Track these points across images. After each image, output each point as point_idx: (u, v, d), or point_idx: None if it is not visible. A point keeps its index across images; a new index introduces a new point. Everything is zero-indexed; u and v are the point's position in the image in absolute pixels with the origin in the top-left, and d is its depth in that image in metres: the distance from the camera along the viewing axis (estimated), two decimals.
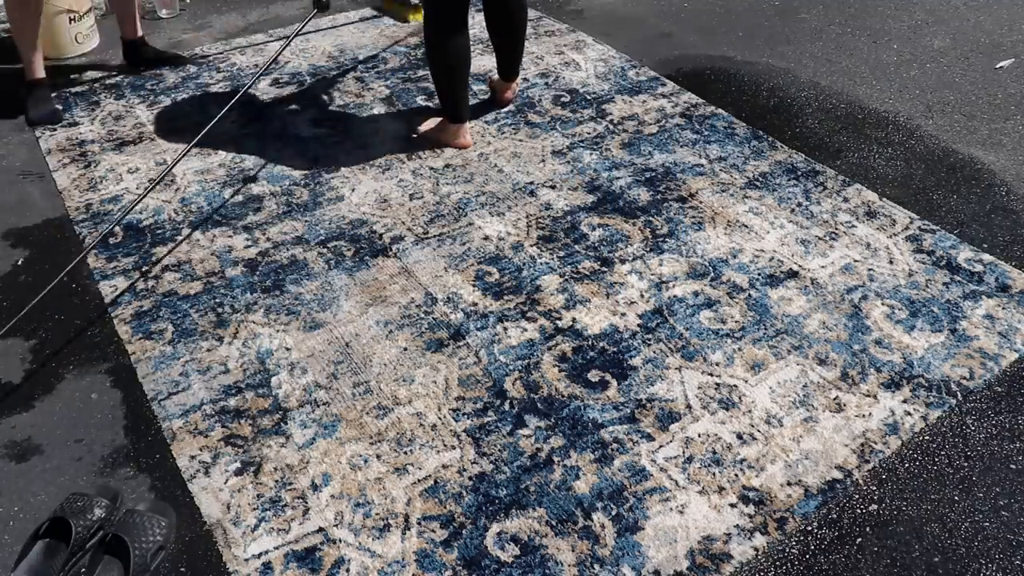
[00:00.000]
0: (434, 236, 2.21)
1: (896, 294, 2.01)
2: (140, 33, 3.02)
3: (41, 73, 2.74)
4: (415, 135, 2.65)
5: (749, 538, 1.47)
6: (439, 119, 2.65)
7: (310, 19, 2.38)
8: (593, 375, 1.79)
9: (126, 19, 2.97)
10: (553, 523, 1.49)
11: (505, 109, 2.80)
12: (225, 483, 1.56)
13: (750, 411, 1.71)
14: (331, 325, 1.93)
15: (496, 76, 2.83)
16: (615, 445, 1.63)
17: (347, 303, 1.99)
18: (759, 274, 2.07)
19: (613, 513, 1.51)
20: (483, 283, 2.05)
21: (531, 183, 2.42)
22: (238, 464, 1.60)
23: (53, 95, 2.82)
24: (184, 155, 2.03)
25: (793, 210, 2.31)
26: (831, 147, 2.62)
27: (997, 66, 3.12)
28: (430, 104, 2.84)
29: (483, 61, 3.11)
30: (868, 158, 2.56)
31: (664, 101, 2.85)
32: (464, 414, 1.70)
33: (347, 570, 1.42)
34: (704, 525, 1.49)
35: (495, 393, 1.75)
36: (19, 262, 2.15)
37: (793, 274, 2.07)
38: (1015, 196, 2.38)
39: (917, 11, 3.60)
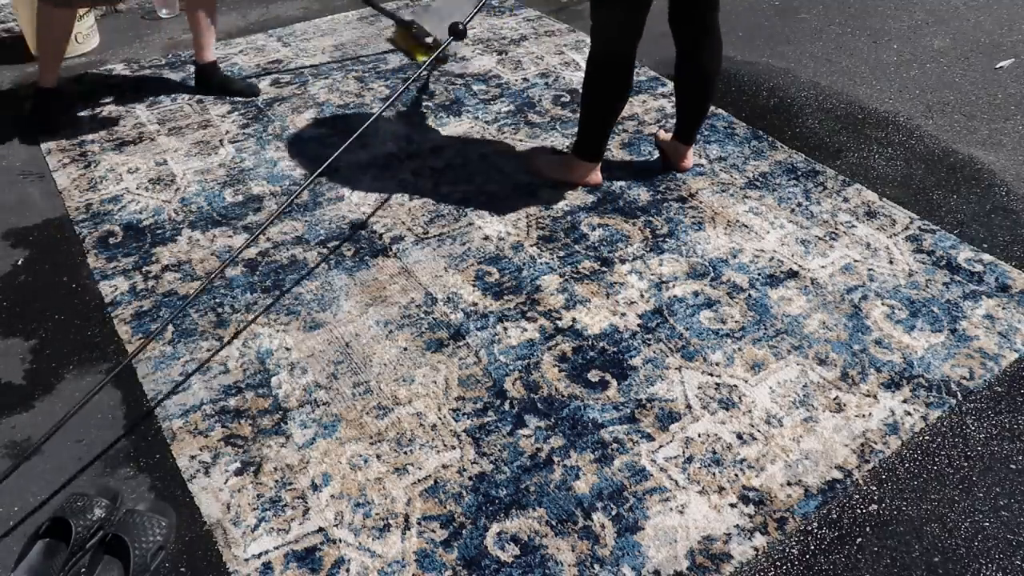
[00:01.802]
0: (434, 236, 2.21)
1: (896, 294, 2.01)
2: (212, 58, 2.88)
3: (54, 83, 2.67)
4: (528, 171, 2.46)
5: (749, 538, 1.47)
6: (552, 156, 2.51)
7: (447, 44, 2.21)
8: (593, 375, 1.79)
9: (198, 43, 2.83)
10: (553, 523, 1.49)
11: (505, 109, 2.80)
12: (225, 483, 1.56)
13: (750, 411, 1.71)
14: (331, 325, 1.93)
15: (664, 134, 2.49)
16: (615, 445, 1.63)
17: (347, 303, 1.99)
18: (759, 274, 2.07)
19: (613, 513, 1.51)
20: (483, 283, 2.05)
21: (531, 183, 2.42)
22: (238, 464, 1.60)
23: (60, 105, 2.73)
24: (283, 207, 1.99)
25: (793, 210, 2.31)
26: (831, 147, 2.62)
27: (997, 66, 3.12)
28: (429, 104, 2.84)
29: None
30: (868, 158, 2.56)
31: (664, 101, 2.85)
32: (464, 414, 1.70)
33: (347, 570, 1.42)
34: (704, 525, 1.49)
35: (495, 393, 1.75)
36: (19, 262, 2.15)
37: (793, 274, 2.07)
38: (1015, 196, 2.38)
39: (917, 11, 3.60)
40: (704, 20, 2.17)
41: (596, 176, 2.39)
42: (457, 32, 2.15)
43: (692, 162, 2.47)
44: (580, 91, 2.26)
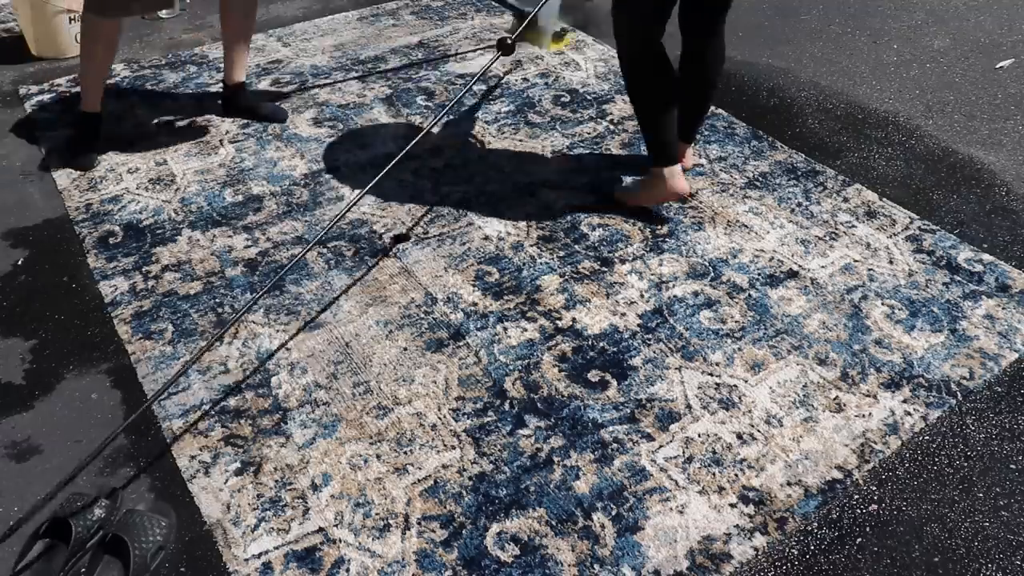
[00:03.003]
0: (434, 236, 2.21)
1: (896, 294, 2.01)
2: (240, 79, 2.72)
3: (97, 107, 2.50)
4: (619, 198, 2.33)
5: (749, 538, 1.47)
6: (636, 179, 2.36)
7: (494, 60, 2.08)
8: (593, 375, 1.79)
9: (228, 61, 2.68)
10: (553, 523, 1.49)
11: (505, 109, 2.80)
12: (225, 483, 1.56)
13: (750, 411, 1.71)
14: (331, 325, 1.93)
15: None
16: (615, 445, 1.63)
17: (347, 303, 1.99)
18: (759, 274, 2.07)
19: (613, 513, 1.51)
20: (483, 283, 2.05)
21: (531, 183, 2.42)
22: (238, 464, 1.60)
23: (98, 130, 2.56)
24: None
25: (793, 210, 2.31)
26: (831, 147, 2.62)
27: (997, 66, 3.12)
28: (429, 104, 2.84)
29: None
30: (868, 158, 2.56)
31: None
32: (464, 414, 1.70)
33: (347, 570, 1.42)
34: (704, 525, 1.49)
35: (495, 393, 1.75)
36: (19, 262, 2.15)
37: (793, 274, 2.07)
38: (1015, 196, 2.38)
39: (917, 11, 3.60)
40: (713, 24, 2.17)
41: (683, 183, 2.18)
42: (505, 47, 2.03)
43: (692, 161, 2.47)
44: (628, 97, 2.19)
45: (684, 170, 2.43)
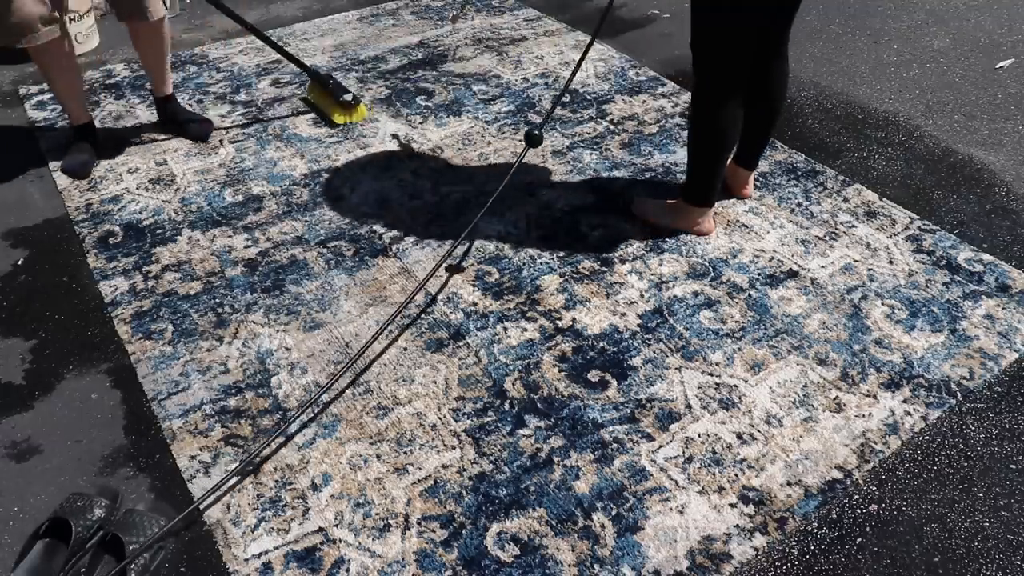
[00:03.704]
0: (434, 236, 2.21)
1: (896, 294, 2.01)
2: (169, 91, 2.66)
3: (84, 119, 2.51)
4: (634, 211, 2.28)
5: (749, 538, 1.47)
6: (660, 201, 2.26)
7: (523, 155, 2.08)
8: (593, 375, 1.79)
9: (153, 73, 2.62)
10: (553, 523, 1.49)
11: (505, 108, 2.80)
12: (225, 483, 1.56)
13: (750, 411, 1.71)
14: (331, 325, 1.93)
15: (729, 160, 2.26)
16: (615, 445, 1.63)
17: (347, 303, 1.99)
18: (759, 274, 2.07)
19: (613, 513, 1.51)
20: (483, 283, 2.05)
21: (531, 183, 2.42)
22: (238, 464, 1.60)
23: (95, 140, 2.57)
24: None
25: (793, 210, 2.31)
26: (831, 147, 2.62)
27: (997, 66, 3.12)
28: (429, 104, 2.84)
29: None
30: (868, 158, 2.56)
31: (664, 101, 2.85)
32: (464, 414, 1.70)
33: (347, 570, 1.42)
34: (704, 525, 1.49)
35: (495, 393, 1.75)
36: (19, 262, 2.15)
37: (793, 274, 2.07)
38: (1015, 196, 2.38)
39: (917, 11, 3.60)
40: (778, 45, 2.07)
41: (709, 223, 2.18)
42: (532, 139, 1.98)
43: (750, 192, 2.34)
44: (687, 135, 2.09)
45: (746, 197, 2.33)
